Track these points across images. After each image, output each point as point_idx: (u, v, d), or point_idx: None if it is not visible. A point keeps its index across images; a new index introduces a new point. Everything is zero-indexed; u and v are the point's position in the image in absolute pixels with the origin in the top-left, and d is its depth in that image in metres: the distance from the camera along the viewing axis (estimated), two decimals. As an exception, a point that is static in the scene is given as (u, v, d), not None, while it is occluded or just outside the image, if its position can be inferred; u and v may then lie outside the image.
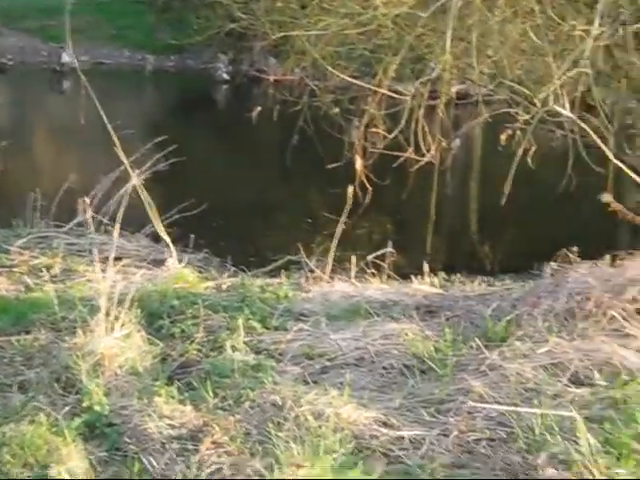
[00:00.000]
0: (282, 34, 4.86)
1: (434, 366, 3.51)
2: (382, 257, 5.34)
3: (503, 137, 6.12)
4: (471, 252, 6.67)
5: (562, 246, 4.63)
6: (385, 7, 4.38)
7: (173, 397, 3.27)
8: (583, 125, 4.22)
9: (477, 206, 7.08)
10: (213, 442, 2.96)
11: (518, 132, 5.76)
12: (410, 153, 4.85)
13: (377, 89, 4.75)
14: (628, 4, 4.63)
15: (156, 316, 4.07)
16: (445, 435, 3.06)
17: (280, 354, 3.76)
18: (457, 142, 5.61)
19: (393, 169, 5.43)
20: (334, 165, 5.10)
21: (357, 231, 6.52)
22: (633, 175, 3.99)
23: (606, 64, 6.27)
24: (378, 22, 4.61)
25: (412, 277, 4.99)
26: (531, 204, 7.37)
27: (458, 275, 5.37)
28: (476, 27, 4.38)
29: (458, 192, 8.10)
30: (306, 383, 3.41)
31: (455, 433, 3.05)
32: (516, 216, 6.85)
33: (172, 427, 3.06)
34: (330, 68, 4.73)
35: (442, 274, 5.35)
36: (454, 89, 6.62)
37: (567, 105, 3.88)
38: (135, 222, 5.81)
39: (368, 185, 5.12)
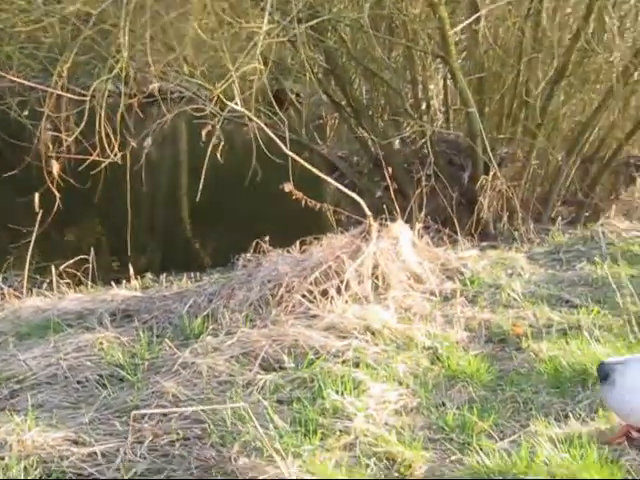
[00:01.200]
0: None
1: (128, 373, 3.43)
2: (86, 265, 5.13)
3: (204, 132, 6.19)
4: (181, 249, 6.68)
5: (262, 235, 4.77)
6: (51, 4, 4.17)
7: None
8: (257, 120, 4.37)
9: (186, 203, 7.10)
10: None
11: (217, 127, 5.84)
12: (96, 155, 4.70)
13: (51, 90, 4.53)
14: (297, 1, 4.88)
15: None
16: (140, 442, 3.00)
17: (-38, 385, 3.45)
18: (149, 141, 5.55)
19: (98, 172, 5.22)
20: (11, 173, 4.80)
21: (59, 239, 6.22)
22: (307, 165, 4.21)
23: (293, 59, 6.62)
24: (48, 20, 4.38)
25: (112, 282, 4.86)
26: (234, 197, 7.55)
27: (165, 274, 5.34)
28: (150, 25, 4.34)
29: (168, 190, 8.06)
30: (-12, 413, 3.16)
31: (150, 439, 3.01)
32: (223, 209, 6.98)
33: None
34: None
35: (149, 275, 5.28)
36: (152, 86, 6.55)
37: (239, 100, 3.99)
38: None
39: (56, 191, 4.88)
